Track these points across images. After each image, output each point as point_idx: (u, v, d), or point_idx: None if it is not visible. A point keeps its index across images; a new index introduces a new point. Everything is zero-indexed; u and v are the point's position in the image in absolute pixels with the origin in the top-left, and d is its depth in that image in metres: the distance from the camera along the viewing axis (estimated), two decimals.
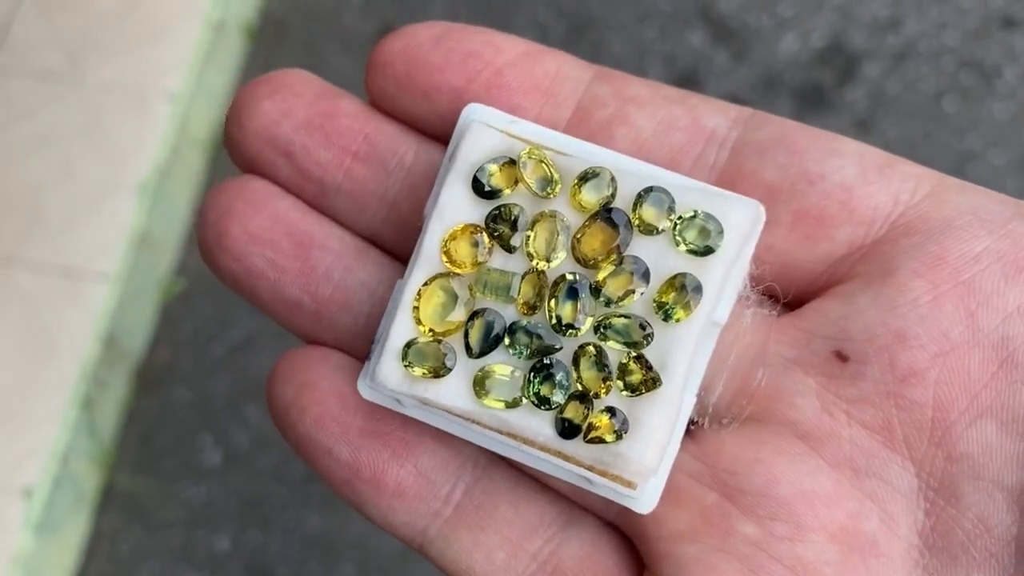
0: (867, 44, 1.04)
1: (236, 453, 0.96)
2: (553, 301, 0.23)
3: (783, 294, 0.24)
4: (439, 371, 0.23)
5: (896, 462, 0.22)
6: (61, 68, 1.03)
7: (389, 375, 0.24)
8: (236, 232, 0.25)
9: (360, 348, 0.26)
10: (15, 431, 0.91)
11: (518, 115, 0.25)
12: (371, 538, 0.93)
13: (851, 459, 0.23)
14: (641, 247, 0.23)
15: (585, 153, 0.24)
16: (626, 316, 0.23)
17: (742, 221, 0.23)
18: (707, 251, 0.23)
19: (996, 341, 0.22)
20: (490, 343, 0.23)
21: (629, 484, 0.23)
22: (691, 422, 0.24)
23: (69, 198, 0.98)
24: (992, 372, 0.22)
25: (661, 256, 0.23)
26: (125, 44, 1.04)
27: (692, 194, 0.23)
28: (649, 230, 0.23)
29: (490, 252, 0.24)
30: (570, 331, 0.23)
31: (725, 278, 0.23)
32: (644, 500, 0.23)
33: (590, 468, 0.23)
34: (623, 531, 0.25)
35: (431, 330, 0.24)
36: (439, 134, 0.26)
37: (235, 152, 0.27)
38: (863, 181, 0.24)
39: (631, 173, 0.23)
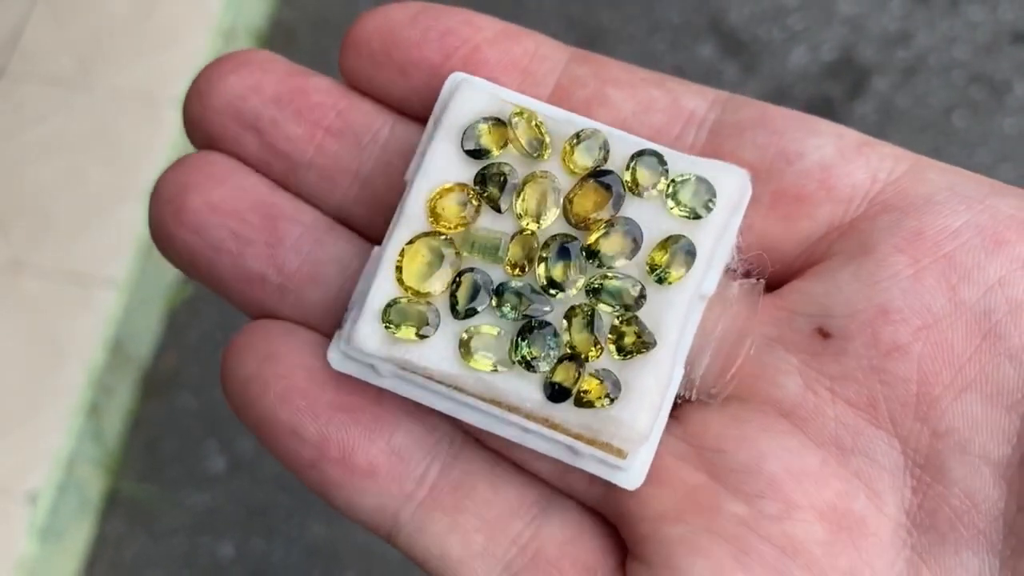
0: (877, 58, 1.04)
1: (241, 460, 0.96)
2: (544, 262, 0.22)
3: (768, 266, 0.24)
4: (422, 331, 0.22)
5: (882, 439, 0.22)
6: (71, 74, 1.03)
7: (367, 337, 0.22)
8: (196, 204, 0.24)
9: (329, 326, 0.24)
10: (21, 436, 0.91)
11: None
12: (375, 547, 0.92)
13: (836, 437, 0.22)
14: (633, 210, 0.23)
15: (574, 120, 0.24)
16: (619, 278, 0.22)
17: (732, 189, 0.23)
18: (699, 215, 0.23)
19: (979, 314, 0.22)
20: (477, 303, 0.22)
21: (619, 452, 0.22)
22: (678, 397, 0.23)
23: (77, 204, 0.98)
24: (976, 345, 0.22)
25: (653, 219, 0.23)
26: (136, 51, 1.04)
27: (683, 160, 0.23)
28: (642, 192, 0.23)
29: (477, 212, 0.23)
30: (560, 292, 0.22)
31: (716, 244, 0.23)
32: (632, 474, 0.23)
33: (578, 436, 0.22)
34: (604, 515, 0.24)
35: (413, 290, 0.22)
36: (415, 111, 0.25)
37: (195, 130, 0.25)
38: (841, 160, 0.24)
39: (622, 138, 0.23)
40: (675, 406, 0.24)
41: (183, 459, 0.97)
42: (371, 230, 0.25)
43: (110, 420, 0.96)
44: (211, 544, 0.94)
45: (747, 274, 0.24)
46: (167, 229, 0.25)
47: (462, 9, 0.25)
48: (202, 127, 0.25)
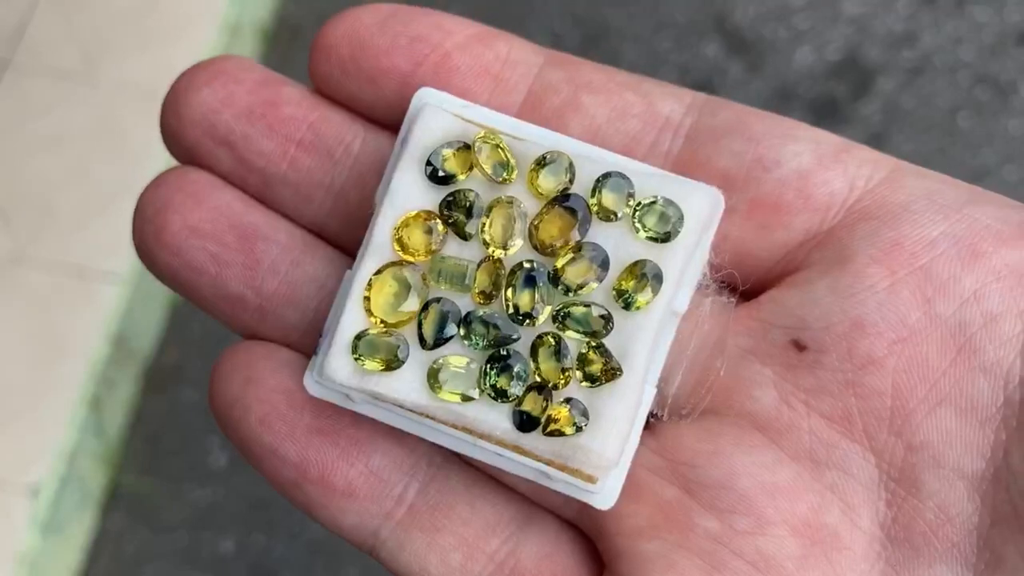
0: (882, 58, 1.04)
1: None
2: (510, 290, 0.22)
3: (739, 284, 0.24)
4: (391, 363, 0.22)
5: (856, 453, 0.22)
6: (76, 68, 1.03)
7: (338, 369, 0.23)
8: (176, 226, 0.24)
9: (308, 344, 0.25)
10: (23, 429, 0.91)
11: (467, 100, 0.24)
12: None
13: (811, 450, 0.22)
14: (600, 234, 0.22)
15: (541, 138, 0.23)
16: (585, 305, 0.22)
17: (701, 208, 0.23)
18: (667, 237, 0.22)
19: (953, 327, 0.22)
20: (445, 333, 0.22)
21: (589, 478, 0.22)
22: (651, 415, 0.23)
23: (81, 197, 0.98)
24: (951, 359, 0.22)
25: (620, 243, 0.22)
26: (141, 45, 1.04)
27: (651, 180, 0.23)
28: (608, 216, 0.22)
29: (444, 240, 0.23)
30: (528, 320, 0.22)
31: (685, 265, 0.23)
32: (604, 495, 0.23)
33: (549, 462, 0.22)
34: (583, 530, 0.24)
35: (382, 321, 0.23)
36: (387, 121, 0.25)
37: (173, 143, 0.25)
38: (819, 167, 0.23)
39: (589, 158, 0.23)
40: (650, 421, 0.24)
41: (184, 454, 0.97)
42: (347, 242, 0.25)
43: (112, 414, 0.96)
44: (212, 539, 0.94)
45: (720, 291, 0.24)
46: (150, 250, 0.25)
47: (433, 11, 0.25)
48: (179, 141, 0.25)
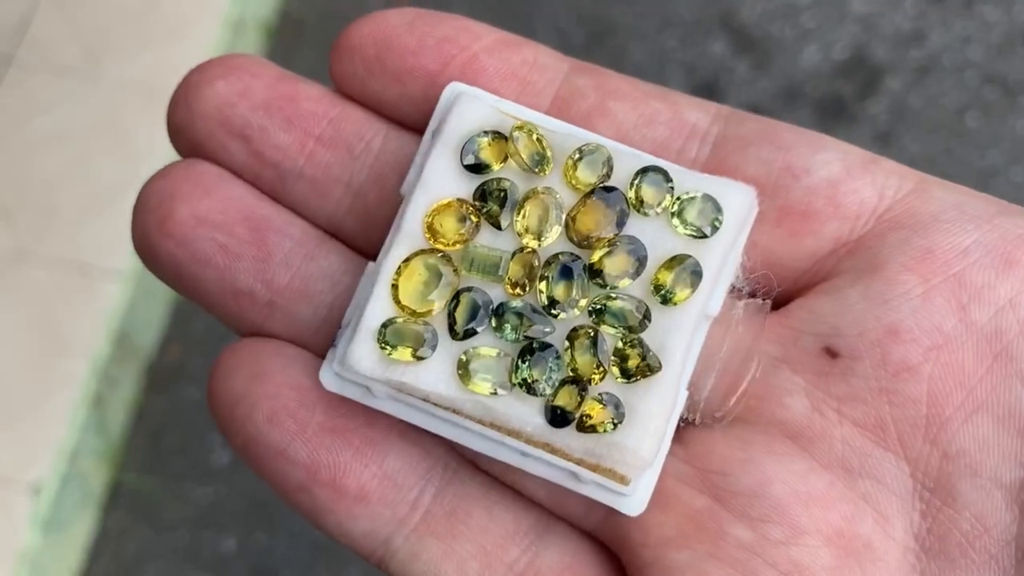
0: (890, 57, 1.04)
1: None
2: (545, 281, 0.22)
3: (775, 286, 0.24)
4: (419, 353, 0.22)
5: (890, 461, 0.22)
6: (79, 65, 1.03)
7: (362, 358, 0.22)
8: (182, 215, 0.23)
9: (319, 343, 0.24)
10: (24, 427, 0.91)
11: None
12: None
13: (843, 459, 0.22)
14: (637, 228, 0.22)
15: (576, 133, 0.23)
16: (622, 299, 0.22)
17: (739, 207, 0.22)
18: (705, 233, 0.22)
19: (989, 334, 0.22)
20: (477, 323, 0.22)
21: (622, 479, 0.22)
22: (680, 420, 0.23)
23: (83, 194, 0.98)
24: (987, 366, 0.21)
25: (658, 237, 0.22)
26: (143, 42, 1.04)
27: (688, 177, 0.22)
28: (646, 210, 0.22)
29: (477, 228, 0.22)
30: (562, 313, 0.22)
31: (722, 263, 0.22)
32: (634, 501, 0.22)
33: (579, 462, 0.22)
34: (604, 541, 0.24)
35: (410, 310, 0.22)
36: (410, 120, 0.24)
37: (180, 137, 0.24)
38: (848, 176, 0.23)
39: (626, 153, 0.23)
40: (678, 428, 0.23)
41: (187, 452, 0.97)
42: (363, 243, 0.24)
43: (114, 412, 0.96)
44: (213, 538, 0.94)
45: (752, 294, 0.24)
46: (151, 241, 0.24)
47: (459, 16, 0.25)
48: (188, 134, 0.24)
